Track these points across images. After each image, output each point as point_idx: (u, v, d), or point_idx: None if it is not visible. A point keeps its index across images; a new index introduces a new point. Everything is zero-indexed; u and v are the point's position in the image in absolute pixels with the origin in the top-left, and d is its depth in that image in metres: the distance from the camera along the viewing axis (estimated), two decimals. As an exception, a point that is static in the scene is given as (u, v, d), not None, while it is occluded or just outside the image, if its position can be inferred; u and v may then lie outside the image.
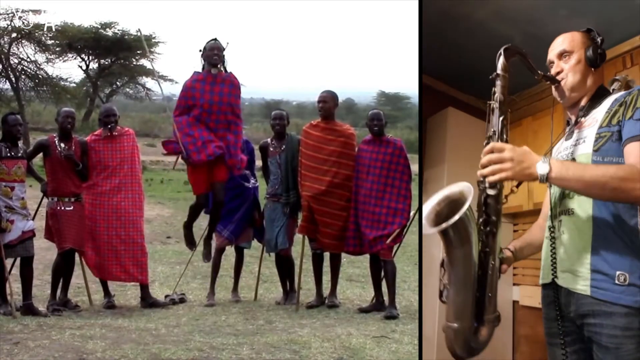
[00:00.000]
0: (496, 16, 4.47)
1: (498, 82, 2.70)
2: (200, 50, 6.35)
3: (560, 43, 2.85)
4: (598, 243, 2.62)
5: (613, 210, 2.60)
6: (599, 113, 2.71)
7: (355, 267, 8.53)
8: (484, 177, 2.54)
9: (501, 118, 2.66)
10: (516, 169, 2.46)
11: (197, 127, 6.20)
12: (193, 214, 6.60)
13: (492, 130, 2.67)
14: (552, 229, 2.81)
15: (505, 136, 2.65)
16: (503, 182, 2.58)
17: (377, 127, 6.61)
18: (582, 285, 2.64)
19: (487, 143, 2.64)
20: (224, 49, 6.34)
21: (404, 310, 6.60)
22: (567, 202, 2.74)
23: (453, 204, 2.65)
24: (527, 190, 5.71)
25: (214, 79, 6.22)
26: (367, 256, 6.89)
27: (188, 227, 6.64)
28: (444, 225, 2.58)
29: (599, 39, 2.80)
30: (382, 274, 6.64)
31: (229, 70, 6.38)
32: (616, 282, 2.55)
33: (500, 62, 2.71)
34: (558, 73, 2.82)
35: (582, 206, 2.67)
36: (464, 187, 2.69)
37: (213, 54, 6.26)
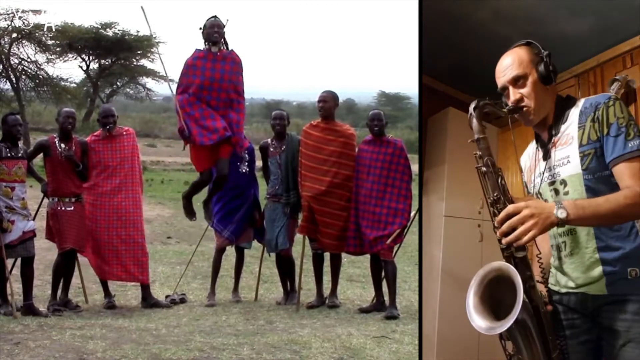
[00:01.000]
0: (496, 16, 4.47)
1: (481, 146, 2.69)
2: (201, 28, 6.32)
3: (510, 67, 2.81)
4: (604, 253, 2.70)
5: None
6: (572, 129, 2.75)
7: (356, 267, 8.53)
8: (510, 243, 2.54)
9: (499, 180, 2.65)
10: (539, 223, 2.49)
11: (199, 106, 6.16)
12: (194, 189, 6.60)
13: (495, 194, 2.64)
14: (558, 249, 2.87)
15: (509, 196, 2.65)
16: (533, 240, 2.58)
17: (377, 127, 6.60)
18: (598, 287, 2.73)
19: (494, 209, 2.63)
20: (224, 26, 6.32)
21: (404, 310, 6.59)
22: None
23: (493, 283, 2.63)
24: (526, 192, 5.71)
25: (214, 57, 6.20)
26: (368, 256, 6.89)
27: (187, 197, 6.62)
28: (508, 323, 2.52)
29: (545, 54, 2.76)
30: (383, 274, 6.64)
31: (230, 47, 6.36)
32: (629, 277, 2.65)
33: (475, 125, 2.71)
34: (518, 100, 2.79)
35: None
36: (500, 265, 2.64)
37: (213, 31, 6.23)
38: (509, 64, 2.80)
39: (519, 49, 2.82)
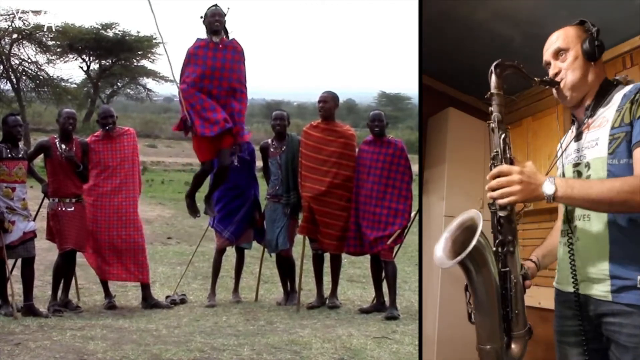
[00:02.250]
0: (496, 16, 4.46)
1: (494, 101, 2.64)
2: (202, 17, 6.32)
3: (554, 41, 2.72)
4: (616, 248, 2.55)
5: (629, 213, 2.51)
6: (609, 112, 2.60)
7: (356, 268, 8.53)
8: (494, 200, 2.53)
9: (502, 137, 2.61)
10: (524, 192, 2.44)
11: (199, 97, 6.14)
12: (197, 183, 6.58)
13: (495, 150, 2.62)
14: (568, 235, 2.74)
15: (508, 155, 2.61)
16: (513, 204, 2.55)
17: (378, 128, 6.60)
18: (602, 292, 2.58)
19: (492, 164, 2.61)
20: (225, 15, 6.31)
21: (404, 310, 6.59)
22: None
23: (467, 230, 2.64)
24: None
25: (216, 46, 6.18)
26: (368, 257, 6.88)
27: (191, 196, 6.62)
28: (458, 258, 2.56)
29: (594, 30, 2.67)
30: (383, 274, 6.64)
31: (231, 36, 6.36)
32: (638, 285, 2.49)
33: (493, 80, 2.64)
34: (556, 74, 2.70)
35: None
36: (474, 214, 2.66)
37: (214, 20, 6.21)
38: (554, 39, 2.73)
39: (569, 26, 2.73)
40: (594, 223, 2.61)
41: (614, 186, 2.41)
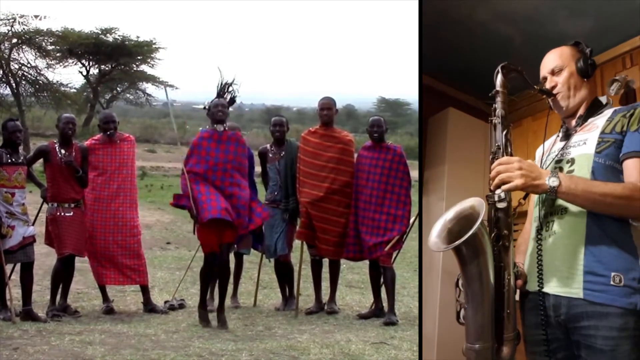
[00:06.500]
0: (496, 16, 4.45)
1: (498, 99, 2.76)
2: (205, 108, 6.33)
3: (551, 60, 2.90)
4: (592, 242, 2.58)
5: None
6: (600, 121, 2.74)
7: (355, 273, 8.51)
8: (494, 188, 2.57)
9: (504, 132, 2.70)
10: (525, 179, 2.50)
11: (205, 184, 6.14)
12: (205, 282, 6.29)
13: (497, 145, 2.70)
14: (539, 231, 2.77)
15: (509, 149, 2.68)
16: (512, 191, 2.60)
17: (377, 134, 6.59)
18: (575, 289, 2.59)
19: (493, 159, 2.66)
20: (228, 107, 6.33)
21: (403, 316, 6.58)
22: (559, 201, 2.69)
23: (464, 220, 2.66)
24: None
25: (220, 137, 6.20)
26: (367, 262, 6.87)
27: (202, 306, 6.27)
28: (457, 242, 2.56)
29: (587, 50, 2.84)
30: (382, 280, 6.62)
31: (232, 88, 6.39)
32: (611, 283, 2.52)
33: (499, 79, 2.78)
34: (553, 87, 2.86)
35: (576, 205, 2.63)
36: (475, 202, 2.69)
37: (217, 110, 6.23)
38: (551, 58, 2.90)
39: (565, 46, 2.91)
40: (571, 216, 2.65)
41: (616, 190, 2.49)
